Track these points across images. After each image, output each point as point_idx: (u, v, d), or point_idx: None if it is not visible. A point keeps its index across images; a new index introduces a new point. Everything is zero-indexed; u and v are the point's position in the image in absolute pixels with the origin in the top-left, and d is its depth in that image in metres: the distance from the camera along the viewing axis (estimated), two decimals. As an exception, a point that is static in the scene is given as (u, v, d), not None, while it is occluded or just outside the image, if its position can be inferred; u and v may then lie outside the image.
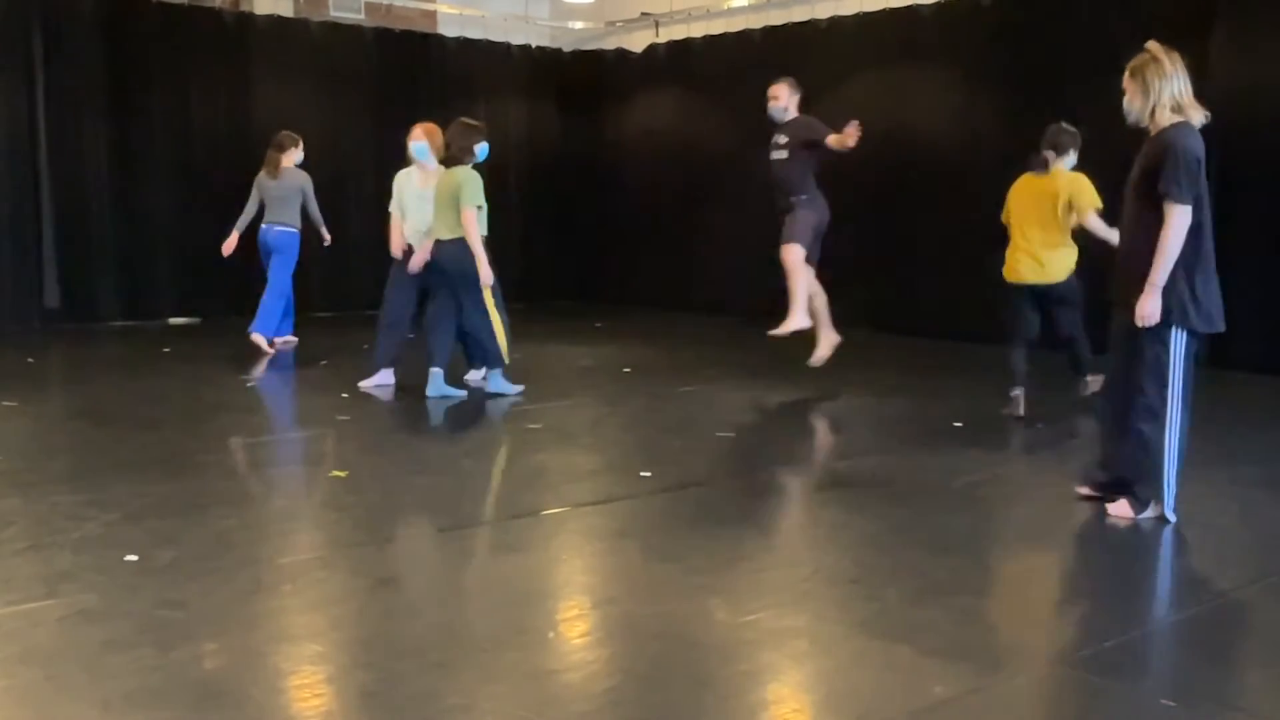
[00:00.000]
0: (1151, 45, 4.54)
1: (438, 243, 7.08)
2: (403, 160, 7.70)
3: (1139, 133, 4.80)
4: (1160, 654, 3.31)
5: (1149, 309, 4.35)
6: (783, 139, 7.89)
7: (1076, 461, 5.62)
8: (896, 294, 10.50)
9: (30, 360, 8.62)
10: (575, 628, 3.53)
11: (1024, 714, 2.96)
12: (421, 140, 7.42)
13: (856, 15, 11.12)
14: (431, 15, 13.21)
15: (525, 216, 13.04)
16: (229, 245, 9.10)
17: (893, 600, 3.69)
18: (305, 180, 9.09)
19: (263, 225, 9.03)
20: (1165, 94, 4.42)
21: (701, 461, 5.81)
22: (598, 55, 13.85)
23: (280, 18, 11.95)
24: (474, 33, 13.27)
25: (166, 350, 9.30)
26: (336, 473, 5.28)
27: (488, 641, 3.33)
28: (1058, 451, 5.86)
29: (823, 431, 6.85)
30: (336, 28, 12.23)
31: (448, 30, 13.19)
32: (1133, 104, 4.56)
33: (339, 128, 12.15)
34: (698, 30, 12.80)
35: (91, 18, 10.67)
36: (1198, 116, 4.46)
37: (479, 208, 7.01)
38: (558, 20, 14.07)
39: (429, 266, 7.23)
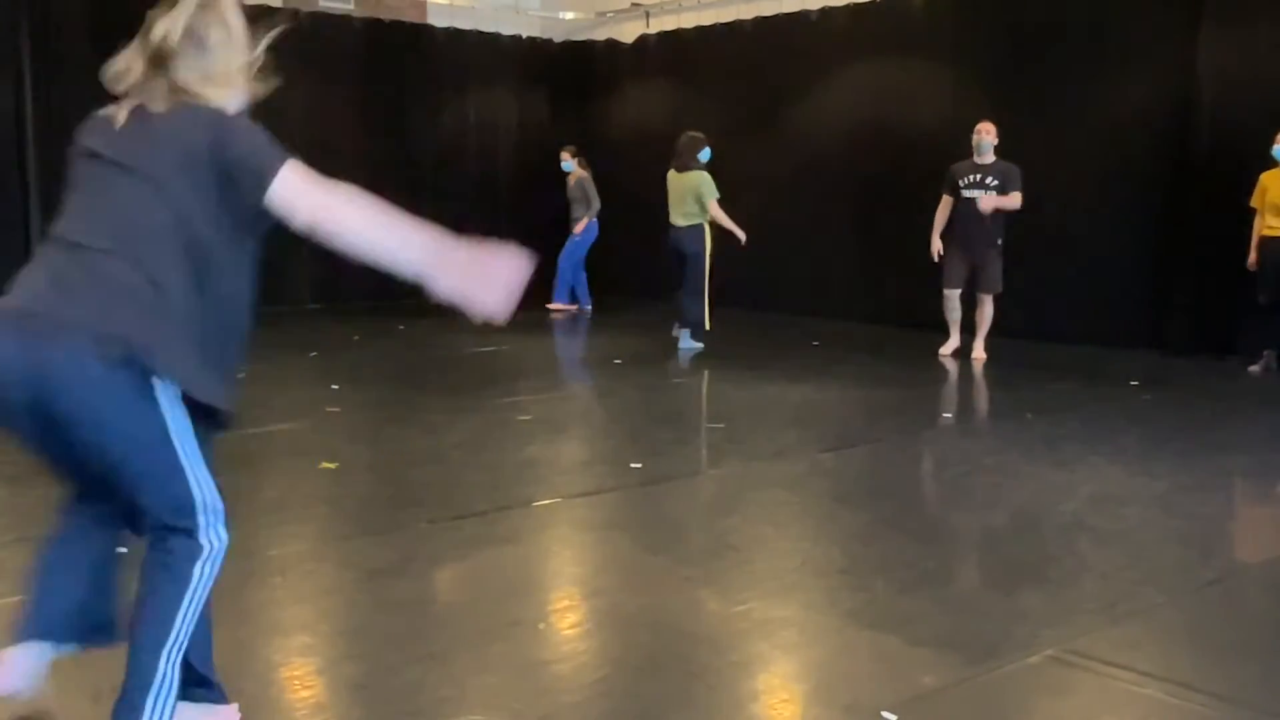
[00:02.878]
0: None
1: (674, 228, 9.11)
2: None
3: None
4: (1149, 644, 3.32)
5: None
6: (992, 180, 8.42)
7: (1066, 452, 5.65)
8: (889, 285, 10.51)
9: None
10: (565, 619, 3.54)
11: (1012, 704, 2.97)
12: None
13: (847, 6, 11.12)
14: (421, 5, 13.17)
15: (515, 207, 13.01)
16: None
17: (881, 590, 3.71)
18: None
19: None
20: None
21: (692, 453, 5.82)
22: (588, 46, 13.82)
23: (269, 7, 11.89)
24: (464, 23, 13.23)
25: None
26: (326, 464, 5.27)
27: (478, 633, 3.34)
28: (1048, 442, 5.88)
29: (813, 422, 6.85)
30: (326, 18, 12.18)
31: (437, 21, 13.16)
32: None
33: (327, 118, 12.12)
34: (688, 21, 12.78)
35: (78, 11, 10.61)
36: None
37: (718, 199, 8.95)
38: (548, 11, 14.04)
39: (670, 246, 9.12)
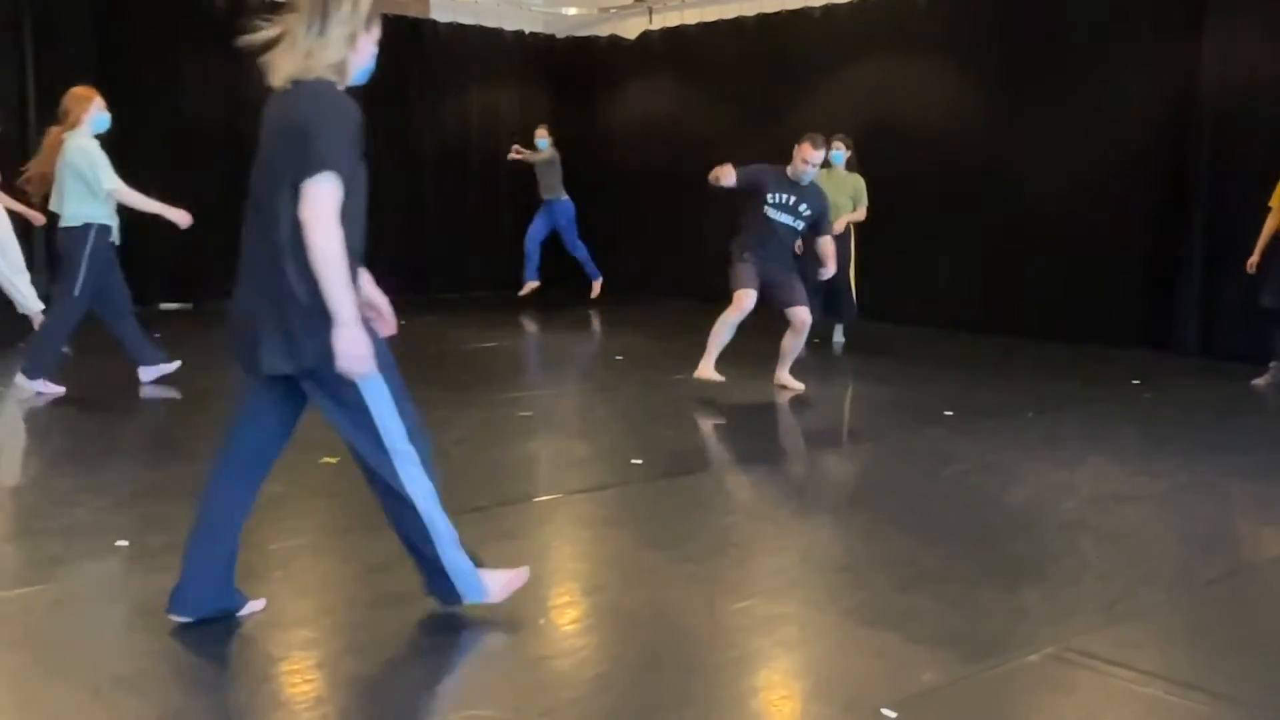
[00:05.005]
0: None
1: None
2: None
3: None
4: (1148, 643, 3.32)
5: None
6: (806, 209, 6.99)
7: (1067, 451, 5.64)
8: (892, 283, 10.50)
9: (19, 345, 8.59)
10: (566, 615, 3.54)
11: (1012, 702, 2.97)
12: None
13: (850, 3, 11.10)
14: (424, 0, 13.16)
15: (517, 203, 13.00)
16: None
17: (882, 588, 3.71)
18: None
19: None
20: None
21: (692, 449, 5.82)
22: (591, 42, 13.81)
23: (272, 2, 11.86)
24: (467, 18, 13.21)
25: (157, 335, 9.27)
26: (327, 459, 5.27)
27: (478, 628, 3.34)
28: (1048, 440, 5.88)
29: (814, 419, 6.86)
30: (328, 12, 12.16)
31: (440, 16, 13.14)
32: None
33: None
34: (691, 17, 12.77)
35: (83, 1, 10.61)
36: None
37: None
38: (551, 6, 14.02)
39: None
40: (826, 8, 11.31)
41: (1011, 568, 3.94)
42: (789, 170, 6.98)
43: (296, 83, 2.93)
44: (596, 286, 11.99)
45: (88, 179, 6.60)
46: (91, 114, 6.78)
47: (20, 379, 6.76)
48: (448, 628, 3.36)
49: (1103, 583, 3.79)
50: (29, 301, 8.85)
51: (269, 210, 2.91)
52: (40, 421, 6.27)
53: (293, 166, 2.83)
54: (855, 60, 11.01)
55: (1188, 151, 8.82)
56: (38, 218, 8.74)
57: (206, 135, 11.20)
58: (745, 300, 6.95)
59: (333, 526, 4.34)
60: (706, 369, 7.02)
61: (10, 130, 10.20)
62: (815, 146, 6.90)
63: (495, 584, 3.32)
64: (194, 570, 3.17)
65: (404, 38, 12.62)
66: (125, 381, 7.85)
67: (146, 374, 7.14)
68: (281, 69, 2.94)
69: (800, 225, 7.00)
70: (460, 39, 13.01)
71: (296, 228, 2.84)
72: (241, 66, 12.56)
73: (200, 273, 10.95)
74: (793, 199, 6.94)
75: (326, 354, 2.89)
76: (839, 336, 9.25)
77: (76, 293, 6.67)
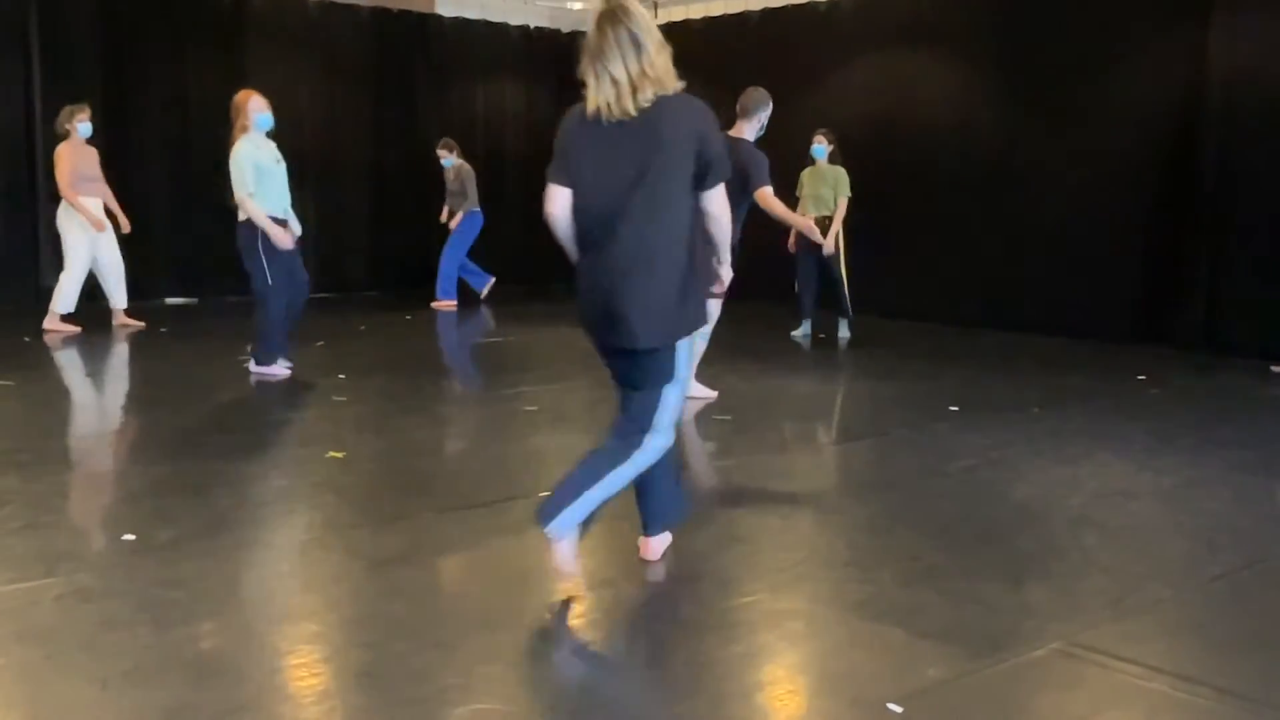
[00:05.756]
0: None
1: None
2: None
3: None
4: (1154, 638, 3.32)
5: None
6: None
7: (1073, 447, 5.64)
8: (897, 279, 10.50)
9: (27, 339, 8.62)
10: (571, 609, 3.54)
11: (1018, 697, 2.97)
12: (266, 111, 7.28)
13: (855, -1, 11.09)
14: (430, -5, 13.17)
15: (524, 198, 13.00)
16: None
17: (887, 583, 3.71)
18: None
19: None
20: None
21: (696, 444, 5.82)
22: (596, 36, 13.79)
23: (276, 9, 11.89)
24: (472, 13, 13.21)
25: (163, 330, 9.29)
26: (334, 454, 5.28)
27: (484, 622, 3.34)
28: (1054, 436, 5.88)
29: (819, 415, 6.86)
30: (333, 7, 12.17)
31: (445, 10, 13.13)
32: None
33: (335, 107, 12.12)
34: (696, 12, 12.75)
35: (87, 13, 10.60)
36: None
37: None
38: (556, 1, 14.01)
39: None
40: (831, 3, 11.30)
41: (1017, 563, 3.94)
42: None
43: (663, 99, 3.38)
44: (450, 303, 11.52)
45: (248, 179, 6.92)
46: (253, 116, 7.10)
47: (253, 366, 7.24)
48: (454, 622, 3.37)
49: (1109, 578, 3.79)
50: (114, 297, 9.21)
51: (670, 208, 3.38)
52: (46, 415, 6.29)
53: (692, 168, 3.39)
54: (860, 55, 10.99)
55: (1193, 146, 8.80)
56: (125, 224, 9.16)
57: (212, 129, 11.19)
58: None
59: (339, 521, 4.35)
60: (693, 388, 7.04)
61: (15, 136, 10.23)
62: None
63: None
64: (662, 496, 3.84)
65: (410, 32, 12.64)
66: (130, 377, 7.87)
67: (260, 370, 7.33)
68: (626, 100, 3.35)
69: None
70: (466, 33, 13.01)
71: (696, 218, 3.45)
72: (246, 60, 12.54)
73: (206, 268, 10.97)
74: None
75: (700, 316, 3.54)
76: (844, 331, 9.25)
77: (270, 281, 7.00)
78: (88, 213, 8.82)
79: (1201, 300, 8.84)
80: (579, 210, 3.50)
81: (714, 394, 6.79)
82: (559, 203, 3.54)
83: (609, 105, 3.37)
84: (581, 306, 3.57)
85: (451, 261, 11.48)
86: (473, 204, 11.45)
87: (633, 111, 3.35)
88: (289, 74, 11.70)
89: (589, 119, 3.44)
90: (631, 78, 3.34)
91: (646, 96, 3.35)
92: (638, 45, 3.34)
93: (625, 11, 3.36)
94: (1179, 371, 8.03)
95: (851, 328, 9.25)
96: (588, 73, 3.41)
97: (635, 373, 3.57)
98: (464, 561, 3.99)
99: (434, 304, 11.35)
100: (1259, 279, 8.12)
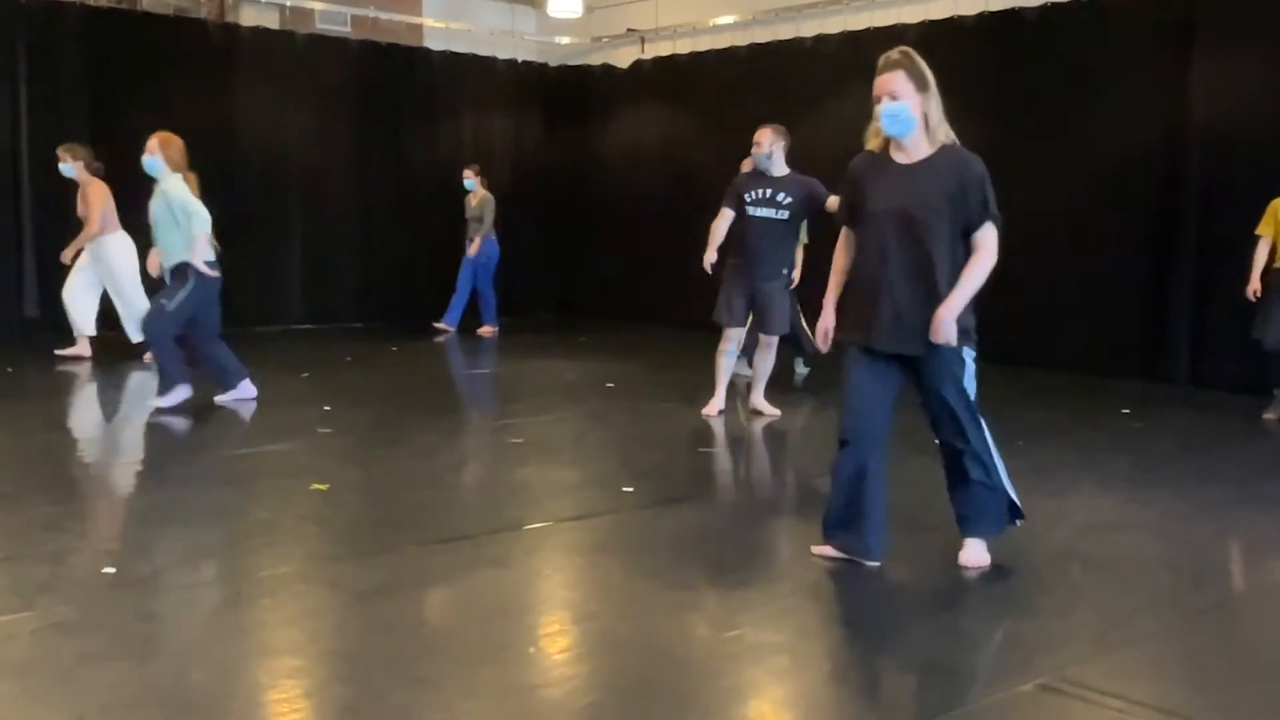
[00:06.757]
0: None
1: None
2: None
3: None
4: (1140, 672, 3.31)
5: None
6: (785, 198, 6.97)
7: (1058, 480, 5.65)
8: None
9: (9, 370, 8.57)
10: (556, 643, 3.52)
11: (1004, 731, 2.96)
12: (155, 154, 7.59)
13: (841, 33, 11.18)
14: (417, 29, 13.23)
15: (511, 231, 13.05)
16: None
17: (874, 616, 3.69)
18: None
19: None
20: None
21: (683, 477, 5.81)
22: (584, 70, 13.88)
23: (266, 29, 11.93)
24: (460, 46, 13.28)
25: (145, 361, 9.25)
26: (317, 485, 5.25)
27: (468, 656, 3.32)
28: (1039, 470, 5.88)
29: (805, 447, 6.85)
30: (322, 40, 12.22)
31: (434, 44, 13.21)
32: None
33: (324, 140, 12.14)
34: (684, 47, 12.85)
35: (75, 28, 10.63)
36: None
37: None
38: (544, 35, 14.11)
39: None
40: (818, 37, 11.39)
41: (1003, 597, 3.94)
42: (753, 165, 7.29)
43: (949, 148, 4.24)
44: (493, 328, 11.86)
45: None
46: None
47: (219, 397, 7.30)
48: (437, 656, 3.34)
49: (1095, 612, 3.78)
50: (128, 328, 9.15)
51: (940, 240, 4.27)
52: (26, 447, 6.24)
53: (967, 209, 4.18)
54: (847, 90, 11.05)
55: (1177, 183, 8.88)
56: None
57: (200, 160, 11.19)
58: (729, 334, 7.14)
59: (322, 554, 4.32)
60: (714, 405, 7.13)
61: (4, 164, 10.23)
62: (761, 132, 7.24)
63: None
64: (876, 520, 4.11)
65: (398, 65, 12.68)
66: (111, 408, 7.83)
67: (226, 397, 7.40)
68: (921, 144, 4.37)
69: (784, 215, 7.00)
70: (454, 67, 13.07)
71: (955, 248, 4.29)
72: (235, 92, 12.58)
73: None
74: (768, 191, 7.03)
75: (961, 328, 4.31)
76: (800, 368, 9.13)
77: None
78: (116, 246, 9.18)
79: (1186, 335, 8.88)
80: None
81: (778, 412, 6.90)
82: None
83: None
84: None
85: (486, 285, 11.76)
86: (488, 230, 11.65)
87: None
88: (277, 106, 11.74)
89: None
90: None
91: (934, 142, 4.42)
92: None
93: None
94: (1163, 406, 8.06)
95: (808, 363, 9.12)
96: None
97: None
98: (448, 595, 3.96)
99: (480, 330, 11.70)
100: (1243, 315, 8.15)
